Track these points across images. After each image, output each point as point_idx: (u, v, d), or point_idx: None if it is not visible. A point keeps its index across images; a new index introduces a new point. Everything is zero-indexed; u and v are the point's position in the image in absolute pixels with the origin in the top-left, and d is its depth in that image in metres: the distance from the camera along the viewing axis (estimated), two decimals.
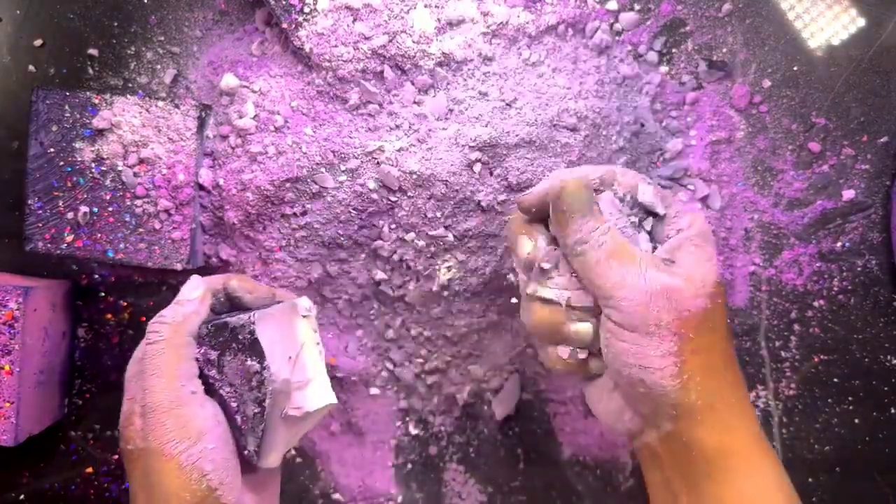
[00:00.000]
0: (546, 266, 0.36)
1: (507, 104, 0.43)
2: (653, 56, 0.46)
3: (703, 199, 0.47)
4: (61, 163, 0.44)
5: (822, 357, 0.48)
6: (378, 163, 0.44)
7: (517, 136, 0.43)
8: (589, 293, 0.35)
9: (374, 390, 0.50)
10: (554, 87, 0.44)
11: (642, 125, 0.46)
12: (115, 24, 0.47)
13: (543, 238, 0.37)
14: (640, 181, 0.37)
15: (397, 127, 0.44)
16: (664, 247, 0.36)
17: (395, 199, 0.44)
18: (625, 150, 0.45)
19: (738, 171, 0.47)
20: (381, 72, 0.43)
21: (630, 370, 0.34)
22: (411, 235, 0.45)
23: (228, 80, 0.45)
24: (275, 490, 0.39)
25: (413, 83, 0.43)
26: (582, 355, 0.36)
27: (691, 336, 0.33)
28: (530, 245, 0.37)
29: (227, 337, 0.36)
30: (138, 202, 0.44)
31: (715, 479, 0.33)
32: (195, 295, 0.38)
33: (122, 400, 0.36)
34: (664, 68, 0.46)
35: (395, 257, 0.46)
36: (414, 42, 0.43)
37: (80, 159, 0.44)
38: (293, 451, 0.50)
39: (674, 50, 0.46)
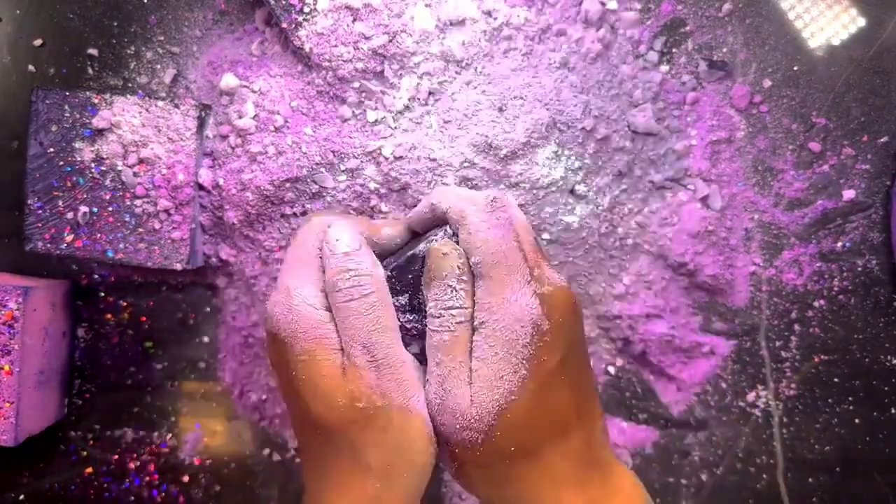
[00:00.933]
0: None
1: (508, 104, 0.43)
2: (653, 56, 0.46)
3: (704, 199, 0.47)
4: (61, 163, 0.44)
5: (822, 357, 0.48)
6: (378, 163, 0.44)
7: (518, 135, 0.43)
8: None
9: None
10: (554, 87, 0.44)
11: (642, 125, 0.46)
12: (115, 23, 0.47)
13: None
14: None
15: (397, 127, 0.44)
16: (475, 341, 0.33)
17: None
18: (625, 150, 0.45)
19: (739, 171, 0.47)
20: (382, 71, 0.43)
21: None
22: None
23: (228, 80, 0.45)
24: None
25: (413, 82, 0.43)
26: None
27: (461, 456, 0.32)
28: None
29: (417, 270, 0.35)
30: (138, 202, 0.44)
31: None
32: (354, 245, 0.34)
33: (327, 356, 0.33)
34: (664, 68, 0.46)
35: None
36: (414, 42, 0.43)
37: (79, 159, 0.44)
38: (292, 451, 0.50)
39: (674, 50, 0.46)
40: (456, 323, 0.32)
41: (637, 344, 0.48)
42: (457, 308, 0.32)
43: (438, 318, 0.33)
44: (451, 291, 0.33)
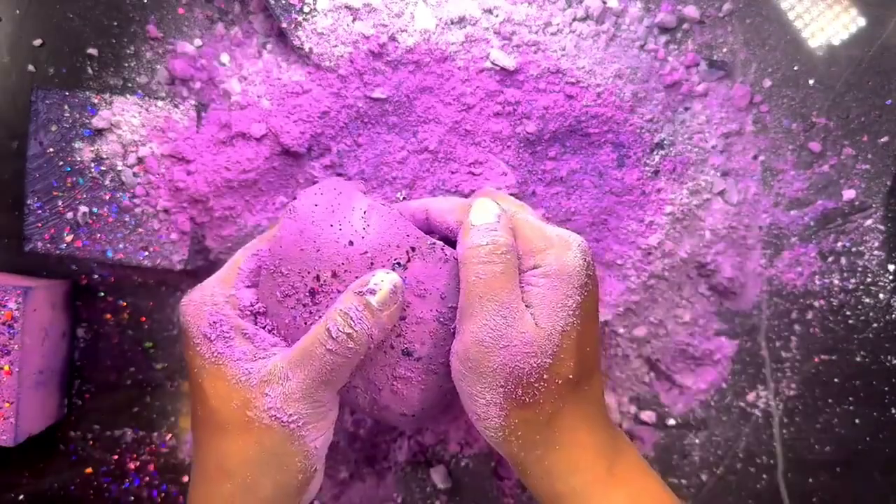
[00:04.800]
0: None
1: (509, 103, 0.43)
2: (661, 53, 0.46)
3: (720, 194, 0.47)
4: (60, 163, 0.44)
5: (822, 357, 0.48)
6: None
7: (520, 135, 0.43)
8: None
9: None
10: (557, 86, 0.44)
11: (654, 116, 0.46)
12: (115, 23, 0.47)
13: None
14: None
15: (398, 125, 0.44)
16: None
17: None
18: (630, 147, 0.45)
19: (753, 165, 0.47)
20: (382, 71, 0.43)
21: (466, 408, 0.34)
22: None
23: (228, 80, 0.45)
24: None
25: (413, 82, 0.43)
26: None
27: (519, 391, 0.32)
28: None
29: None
30: (137, 202, 0.44)
31: None
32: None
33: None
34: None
35: None
36: (415, 41, 0.43)
37: (79, 159, 0.44)
38: None
39: (674, 49, 0.46)
40: (501, 254, 0.33)
41: (652, 353, 0.48)
42: (502, 240, 0.34)
43: (485, 245, 0.33)
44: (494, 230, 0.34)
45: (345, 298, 0.33)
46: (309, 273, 0.34)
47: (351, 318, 0.32)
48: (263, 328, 0.35)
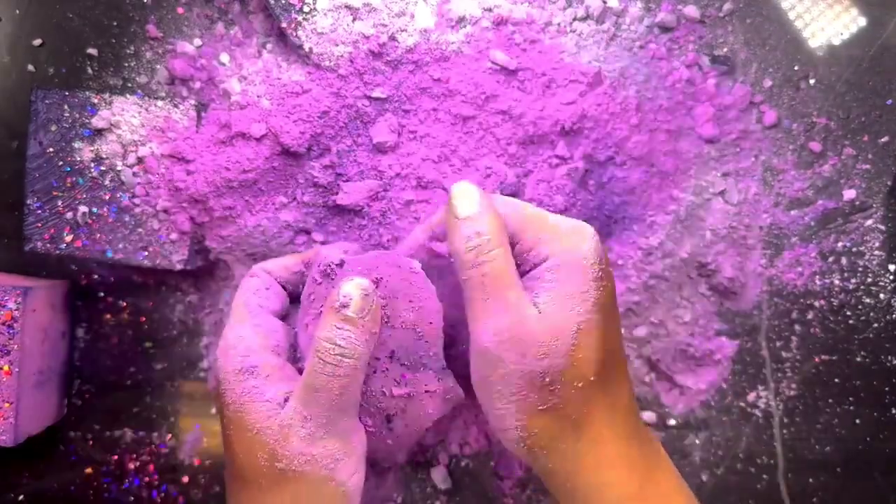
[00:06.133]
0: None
1: (511, 103, 0.43)
2: (661, 52, 0.46)
3: (721, 194, 0.47)
4: (60, 163, 0.44)
5: (822, 357, 0.48)
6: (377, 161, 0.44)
7: (520, 135, 0.43)
8: None
9: None
10: (558, 85, 0.44)
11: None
12: (115, 23, 0.47)
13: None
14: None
15: (398, 124, 0.44)
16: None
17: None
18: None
19: (754, 166, 0.47)
20: (382, 71, 0.43)
21: (486, 414, 0.32)
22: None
23: (228, 80, 0.45)
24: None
25: (413, 82, 0.43)
26: None
27: (534, 397, 0.30)
28: None
29: None
30: (137, 202, 0.44)
31: None
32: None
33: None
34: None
35: None
36: (415, 41, 0.43)
37: (79, 159, 0.44)
38: None
39: (675, 49, 0.46)
40: (495, 247, 0.31)
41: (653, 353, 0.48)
42: (492, 231, 0.31)
43: (474, 249, 0.31)
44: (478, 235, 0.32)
45: (323, 323, 0.32)
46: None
47: (335, 338, 0.31)
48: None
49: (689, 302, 0.48)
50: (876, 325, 0.47)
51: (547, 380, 0.30)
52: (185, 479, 0.49)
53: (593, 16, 0.45)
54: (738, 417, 0.48)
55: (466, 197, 0.32)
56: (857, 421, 0.48)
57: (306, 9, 0.43)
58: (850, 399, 0.48)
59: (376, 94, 0.43)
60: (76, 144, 0.44)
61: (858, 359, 0.48)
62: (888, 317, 0.47)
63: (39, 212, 0.44)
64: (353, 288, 0.31)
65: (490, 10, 0.43)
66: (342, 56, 0.43)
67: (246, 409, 0.32)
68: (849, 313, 0.47)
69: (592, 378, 0.30)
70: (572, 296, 0.30)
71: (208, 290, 0.49)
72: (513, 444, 0.31)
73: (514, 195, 0.44)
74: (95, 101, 0.44)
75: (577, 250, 0.31)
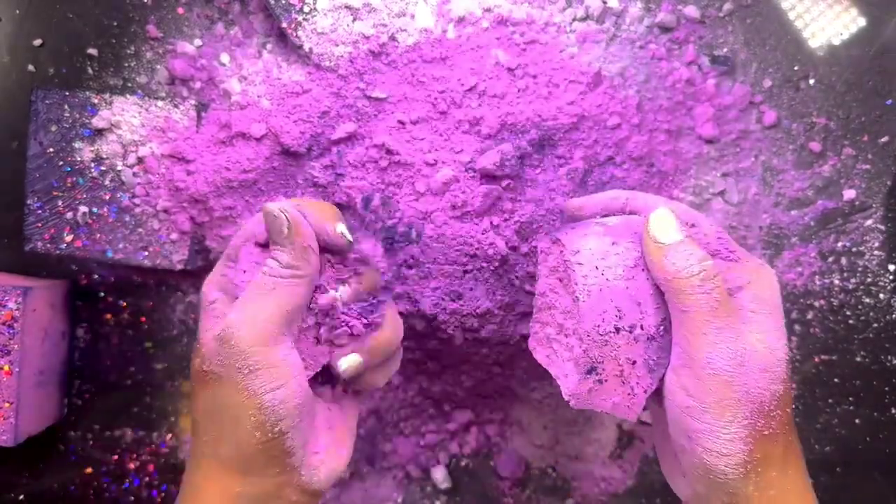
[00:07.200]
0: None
1: (512, 103, 0.43)
2: (661, 52, 0.46)
3: (720, 194, 0.47)
4: (60, 163, 0.44)
5: (822, 357, 0.48)
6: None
7: (521, 134, 0.43)
8: None
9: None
10: (558, 84, 0.44)
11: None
12: (115, 23, 0.47)
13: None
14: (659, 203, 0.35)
15: (399, 123, 0.44)
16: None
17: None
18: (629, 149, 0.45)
19: (754, 165, 0.47)
20: (382, 71, 0.43)
21: (693, 448, 0.32)
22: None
23: (228, 80, 0.45)
24: (351, 422, 0.38)
25: (414, 81, 0.43)
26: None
27: (761, 422, 0.31)
28: None
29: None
30: (137, 202, 0.44)
31: None
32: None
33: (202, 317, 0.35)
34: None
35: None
36: (415, 41, 0.43)
37: (79, 159, 0.44)
38: None
39: (675, 49, 0.46)
40: (714, 277, 0.32)
41: None
42: (708, 262, 0.33)
43: (698, 274, 0.32)
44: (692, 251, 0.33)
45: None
46: None
47: (276, 257, 0.33)
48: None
49: None
50: (876, 324, 0.47)
51: (773, 405, 0.31)
52: None
53: (593, 16, 0.45)
54: None
55: (666, 222, 0.34)
56: (857, 421, 0.48)
57: (306, 9, 0.43)
58: (850, 399, 0.48)
59: (376, 94, 0.43)
60: (76, 144, 0.44)
61: (858, 359, 0.48)
62: (888, 317, 0.47)
63: (40, 212, 0.44)
64: (266, 216, 0.33)
65: (490, 10, 0.43)
66: (342, 56, 0.43)
67: (204, 315, 0.35)
68: (848, 313, 0.48)
69: (791, 407, 0.33)
70: (779, 328, 0.33)
71: None
72: (733, 470, 0.31)
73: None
74: (95, 101, 0.44)
75: (773, 282, 0.34)
